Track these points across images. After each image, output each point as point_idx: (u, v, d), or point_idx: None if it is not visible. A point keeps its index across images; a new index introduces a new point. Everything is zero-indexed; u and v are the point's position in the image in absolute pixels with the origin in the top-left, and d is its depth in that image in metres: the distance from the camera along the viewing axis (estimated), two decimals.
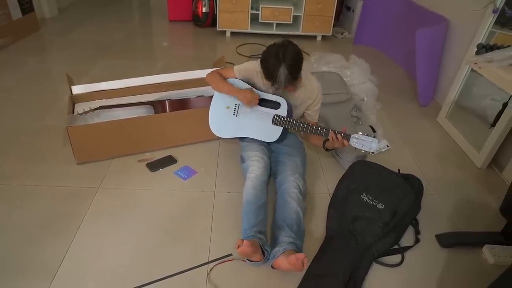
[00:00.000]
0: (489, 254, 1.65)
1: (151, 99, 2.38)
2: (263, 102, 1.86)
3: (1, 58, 3.36)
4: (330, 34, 4.36)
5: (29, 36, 3.89)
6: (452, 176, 2.20)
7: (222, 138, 2.04)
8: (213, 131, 2.01)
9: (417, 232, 1.76)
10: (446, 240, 1.72)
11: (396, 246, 1.68)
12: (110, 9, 5.24)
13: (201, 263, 1.54)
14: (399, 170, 2.02)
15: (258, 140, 1.92)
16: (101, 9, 5.16)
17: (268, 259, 1.52)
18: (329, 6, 4.14)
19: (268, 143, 1.93)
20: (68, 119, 2.06)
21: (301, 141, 2.05)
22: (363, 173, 1.91)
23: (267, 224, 1.66)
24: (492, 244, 1.69)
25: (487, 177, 2.21)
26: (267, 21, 4.22)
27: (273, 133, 1.85)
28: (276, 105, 1.83)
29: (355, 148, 1.69)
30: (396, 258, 1.64)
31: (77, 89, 2.35)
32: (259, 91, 1.86)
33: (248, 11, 4.14)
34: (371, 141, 1.65)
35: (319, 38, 4.41)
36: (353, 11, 4.49)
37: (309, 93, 1.87)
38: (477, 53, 2.25)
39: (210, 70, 2.00)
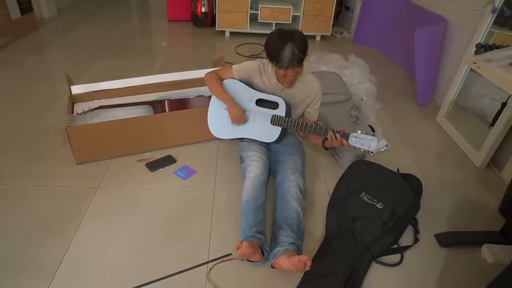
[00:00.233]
0: (488, 253, 1.66)
1: (151, 99, 2.38)
2: (261, 103, 1.86)
3: (0, 58, 3.35)
4: (329, 34, 4.36)
5: (28, 36, 3.89)
6: (451, 175, 2.21)
7: (221, 139, 2.04)
8: (212, 132, 2.01)
9: (416, 232, 1.76)
10: (445, 240, 1.72)
11: (395, 246, 1.68)
12: (109, 8, 5.24)
13: (200, 263, 1.54)
14: (398, 169, 2.03)
15: (257, 140, 1.92)
16: (100, 9, 5.16)
17: (268, 259, 1.52)
18: (328, 6, 4.14)
19: (267, 143, 1.93)
20: (67, 119, 2.06)
21: (300, 140, 2.05)
22: (363, 173, 1.91)
23: (266, 223, 1.66)
24: (491, 244, 1.69)
25: (486, 176, 2.21)
26: (266, 21, 4.22)
27: (272, 134, 1.85)
28: (274, 105, 1.83)
29: (354, 147, 1.68)
30: (396, 257, 1.64)
31: (76, 89, 2.35)
32: (257, 92, 1.86)
33: (247, 11, 4.14)
34: (370, 140, 1.64)
35: (318, 38, 4.41)
36: (352, 11, 4.49)
37: (309, 90, 1.87)
38: (476, 52, 2.25)
39: (209, 70, 1.99)
